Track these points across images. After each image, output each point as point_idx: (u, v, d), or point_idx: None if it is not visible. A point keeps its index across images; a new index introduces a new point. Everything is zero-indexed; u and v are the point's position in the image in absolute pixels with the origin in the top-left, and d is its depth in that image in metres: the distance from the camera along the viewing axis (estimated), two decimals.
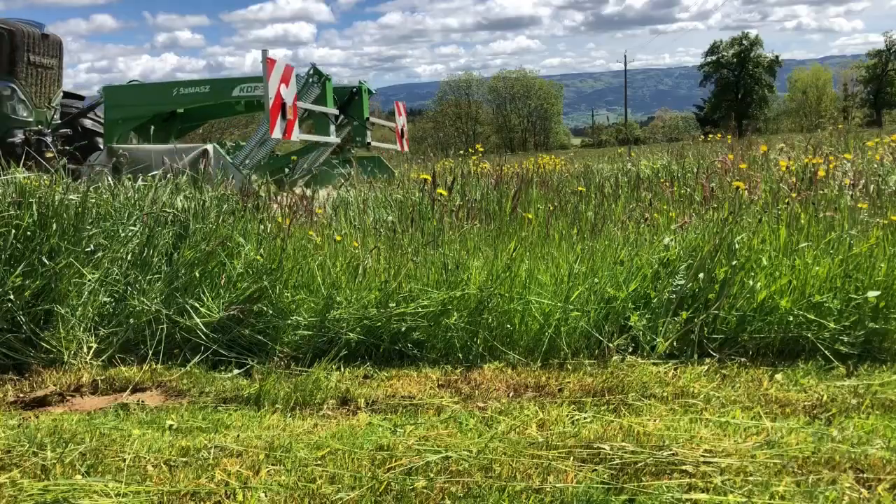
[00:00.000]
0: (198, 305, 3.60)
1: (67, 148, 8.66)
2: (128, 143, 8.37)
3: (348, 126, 9.12)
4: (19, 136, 8.42)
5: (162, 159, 6.31)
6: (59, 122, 9.21)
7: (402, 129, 10.52)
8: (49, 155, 8.51)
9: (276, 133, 7.09)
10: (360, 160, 9.47)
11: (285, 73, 7.17)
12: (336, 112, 8.70)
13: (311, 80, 8.21)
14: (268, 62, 6.92)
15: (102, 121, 9.81)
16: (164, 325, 3.51)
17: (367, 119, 9.29)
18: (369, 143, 9.33)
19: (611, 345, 3.41)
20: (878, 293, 3.42)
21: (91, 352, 3.48)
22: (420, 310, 3.56)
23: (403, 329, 3.56)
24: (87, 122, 9.40)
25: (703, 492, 2.12)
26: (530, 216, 4.26)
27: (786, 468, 2.24)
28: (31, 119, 8.87)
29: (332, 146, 8.81)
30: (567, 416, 2.74)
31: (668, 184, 5.34)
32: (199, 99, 8.43)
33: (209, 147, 6.69)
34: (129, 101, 8.45)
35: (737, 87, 71.43)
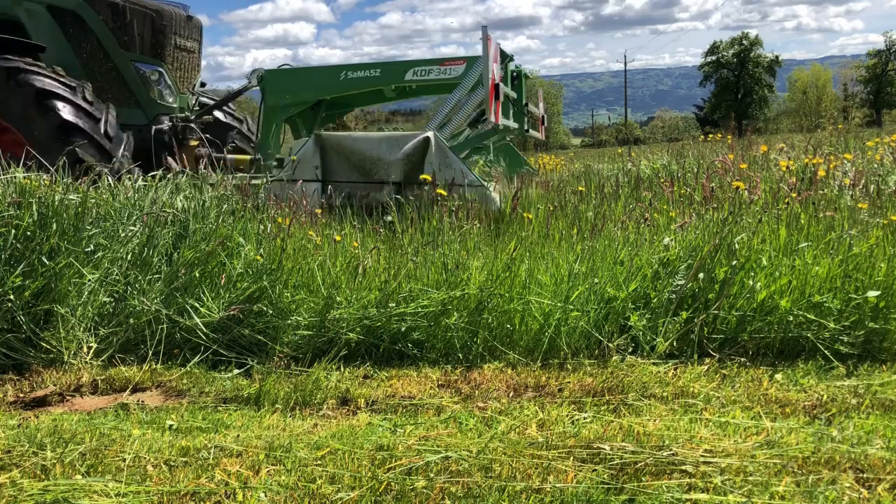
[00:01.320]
0: (198, 305, 3.60)
1: (207, 136, 8.31)
2: (277, 136, 7.94)
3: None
4: (166, 123, 8.14)
5: (379, 149, 5.92)
6: (199, 109, 8.89)
7: (543, 117, 10.12)
8: (194, 143, 8.08)
9: (496, 118, 6.66)
10: (492, 150, 8.89)
11: (495, 52, 6.79)
12: (515, 95, 8.22)
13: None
14: (487, 40, 6.48)
15: (234, 112, 9.40)
16: (164, 325, 3.51)
17: (526, 104, 8.83)
18: (527, 130, 8.91)
19: (611, 345, 3.42)
20: (877, 293, 3.42)
21: (91, 352, 3.48)
22: (420, 310, 3.56)
23: (403, 329, 3.56)
24: (220, 114, 9.07)
25: (703, 492, 2.12)
26: (530, 216, 4.26)
27: (786, 468, 2.24)
28: (175, 105, 8.53)
29: (513, 133, 8.42)
30: (567, 416, 2.74)
31: (668, 184, 5.34)
32: (367, 83, 7.85)
33: (430, 134, 6.06)
34: (291, 86, 7.95)
35: (737, 87, 71.44)
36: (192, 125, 8.30)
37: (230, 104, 9.34)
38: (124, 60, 7.92)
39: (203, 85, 9.45)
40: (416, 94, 8.34)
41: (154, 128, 7.93)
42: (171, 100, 8.40)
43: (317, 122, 8.50)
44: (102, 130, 6.61)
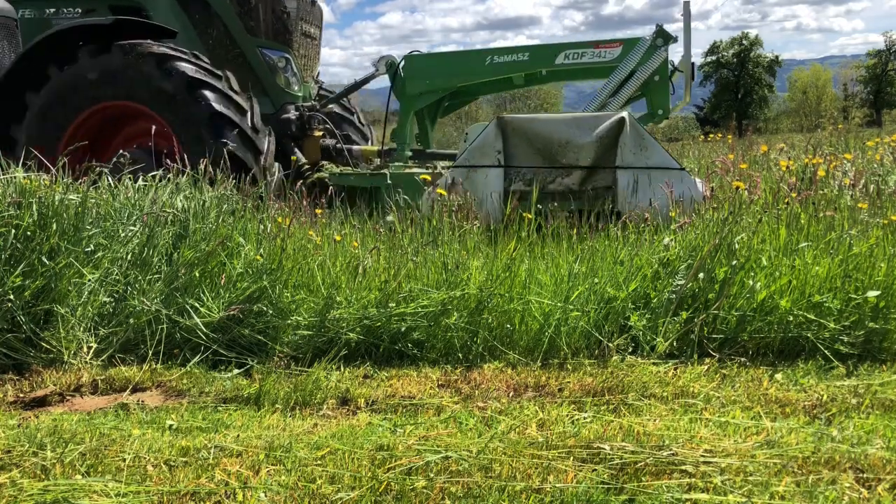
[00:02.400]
0: (198, 305, 3.60)
1: (328, 126, 7.98)
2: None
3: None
4: (293, 113, 7.77)
5: (569, 131, 5.49)
6: (318, 98, 8.55)
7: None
8: (318, 134, 7.77)
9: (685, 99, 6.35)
10: None
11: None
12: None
13: (656, 42, 6.98)
14: (689, 17, 6.11)
15: (345, 103, 8.99)
16: (164, 325, 3.51)
17: None
18: (666, 117, 8.87)
19: (611, 345, 3.42)
20: (877, 293, 3.42)
21: (91, 352, 3.48)
22: (420, 310, 3.56)
23: (403, 329, 3.56)
24: (332, 105, 8.72)
25: (703, 492, 2.12)
26: (530, 216, 4.26)
27: (786, 468, 2.24)
28: (300, 94, 8.18)
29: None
30: (567, 415, 2.74)
31: (668, 183, 5.34)
32: (514, 68, 7.43)
33: (625, 114, 5.55)
34: (432, 72, 7.55)
35: (737, 86, 71.38)
36: (319, 115, 7.95)
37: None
38: (251, 46, 7.57)
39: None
40: (546, 81, 7.89)
41: (281, 117, 7.57)
42: (296, 88, 8.07)
43: (440, 112, 8.16)
44: (250, 123, 6.31)
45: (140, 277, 3.75)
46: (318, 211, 4.82)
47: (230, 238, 3.98)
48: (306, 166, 7.43)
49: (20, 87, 6.60)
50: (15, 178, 3.90)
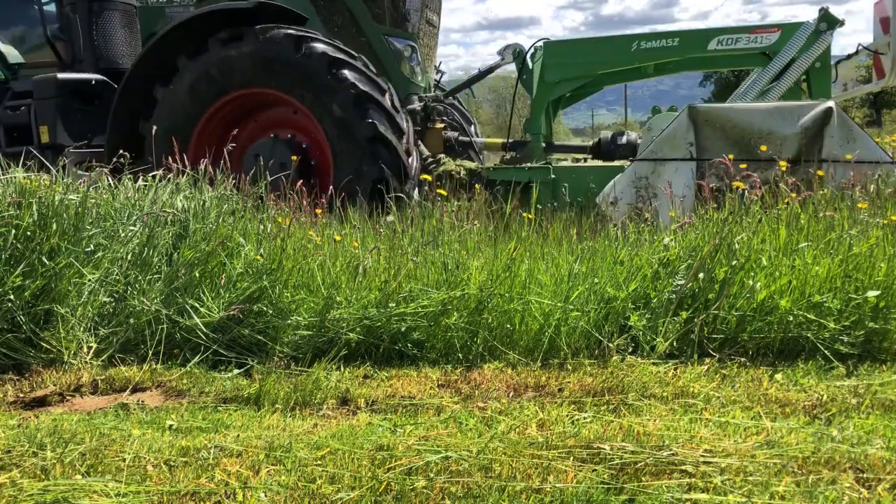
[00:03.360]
0: (198, 305, 3.60)
1: (446, 119, 7.75)
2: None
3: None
4: (417, 104, 7.53)
5: (771, 121, 5.14)
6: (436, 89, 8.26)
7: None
8: (440, 126, 7.54)
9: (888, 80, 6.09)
10: None
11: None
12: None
13: (820, 26, 6.56)
14: None
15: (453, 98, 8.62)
16: (164, 325, 3.51)
17: None
18: None
19: (611, 345, 3.41)
20: (877, 293, 3.42)
21: (91, 352, 3.48)
22: (420, 310, 3.56)
23: (403, 329, 3.56)
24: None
25: (703, 492, 2.12)
26: (530, 216, 4.26)
27: (786, 468, 2.24)
28: (423, 84, 7.90)
29: None
30: (567, 416, 2.74)
31: (669, 183, 5.34)
32: (661, 55, 7.06)
33: (831, 104, 5.18)
34: (573, 59, 7.18)
35: (737, 87, 71.34)
36: (444, 105, 7.76)
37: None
38: (377, 34, 7.33)
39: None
40: (679, 70, 7.56)
41: (407, 107, 7.25)
42: (419, 78, 7.83)
43: (561, 103, 7.92)
44: (390, 104, 6.12)
45: (140, 277, 3.75)
46: (318, 211, 4.82)
47: (230, 238, 3.97)
48: (430, 159, 7.22)
49: (148, 81, 6.42)
50: (15, 178, 3.90)
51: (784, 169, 4.71)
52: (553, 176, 6.24)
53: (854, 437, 2.45)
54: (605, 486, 2.15)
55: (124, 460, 2.35)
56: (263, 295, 3.66)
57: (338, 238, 4.17)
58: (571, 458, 2.32)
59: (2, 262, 3.52)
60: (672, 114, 5.83)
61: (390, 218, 4.58)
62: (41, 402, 3.11)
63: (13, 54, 7.74)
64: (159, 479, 2.24)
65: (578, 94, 7.92)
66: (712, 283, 3.60)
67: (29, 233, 3.63)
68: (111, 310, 3.67)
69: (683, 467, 2.24)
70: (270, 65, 6.06)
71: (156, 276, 3.79)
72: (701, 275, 3.58)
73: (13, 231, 3.58)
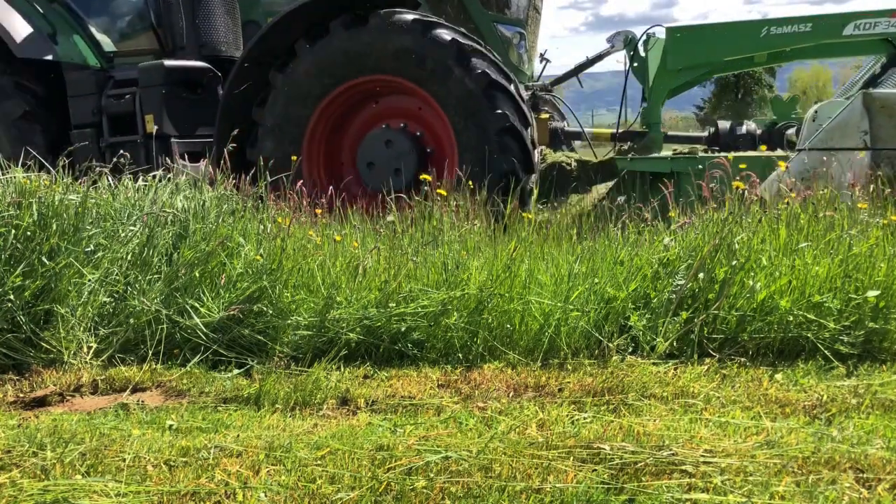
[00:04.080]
0: (198, 305, 3.60)
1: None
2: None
3: None
4: (525, 92, 7.06)
5: None
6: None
7: None
8: (545, 116, 7.31)
9: None
10: None
11: None
12: None
13: None
14: None
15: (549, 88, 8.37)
16: (164, 325, 3.51)
17: None
18: None
19: (611, 345, 3.41)
20: (877, 293, 3.42)
21: (91, 352, 3.48)
22: (420, 310, 3.56)
23: (403, 329, 3.56)
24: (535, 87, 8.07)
25: (703, 492, 2.12)
26: (530, 216, 4.26)
27: (786, 468, 2.24)
28: (528, 73, 7.65)
29: None
30: (567, 416, 2.74)
31: (669, 183, 5.33)
32: (793, 41, 6.68)
33: None
34: (699, 46, 6.83)
35: (736, 87, 71.31)
36: (547, 95, 7.54)
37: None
38: (486, 21, 7.02)
39: None
40: (790, 59, 7.32)
41: None
42: (526, 66, 7.59)
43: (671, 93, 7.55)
44: (517, 93, 5.88)
45: (140, 277, 3.75)
46: (318, 211, 4.81)
47: (230, 238, 3.97)
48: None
49: (262, 66, 6.21)
50: (15, 178, 3.90)
51: None
52: (700, 166, 5.69)
53: (854, 437, 2.45)
54: (605, 486, 2.15)
55: (124, 460, 2.35)
56: (263, 295, 3.66)
57: (338, 238, 4.17)
58: (571, 458, 2.32)
59: (2, 262, 3.52)
60: (840, 101, 5.45)
61: (390, 218, 4.58)
62: (41, 402, 3.11)
63: (106, 42, 7.40)
64: (159, 479, 2.24)
65: (685, 85, 7.63)
66: (712, 283, 3.60)
67: (29, 233, 3.63)
68: (111, 310, 3.67)
69: (683, 467, 2.24)
70: (396, 51, 5.82)
71: (156, 276, 3.79)
72: (701, 275, 3.58)
73: (13, 231, 3.58)
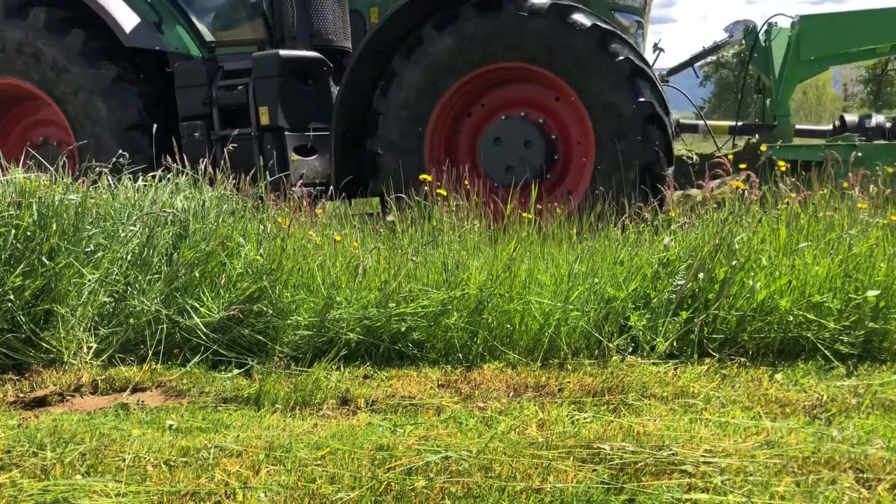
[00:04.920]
0: (198, 305, 3.60)
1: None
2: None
3: None
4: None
5: None
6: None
7: None
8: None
9: None
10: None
11: None
12: None
13: None
14: None
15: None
16: (164, 325, 3.51)
17: None
18: None
19: (611, 345, 3.41)
20: (877, 293, 3.42)
21: (91, 352, 3.48)
22: (420, 310, 3.56)
23: (403, 329, 3.56)
24: None
25: (703, 492, 2.12)
26: (530, 216, 4.26)
27: (786, 468, 2.24)
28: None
29: None
30: (567, 416, 2.74)
31: (670, 184, 5.34)
32: None
33: None
34: (836, 35, 6.59)
35: (736, 87, 71.28)
36: (669, 86, 7.27)
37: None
38: (604, 7, 6.67)
39: None
40: None
41: None
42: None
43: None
44: (658, 81, 5.71)
45: (140, 277, 3.75)
46: (318, 211, 4.81)
47: (230, 238, 3.97)
48: None
49: (386, 53, 6.05)
50: (15, 177, 3.90)
51: None
52: (859, 154, 5.42)
53: (854, 437, 2.45)
54: (605, 486, 2.15)
55: (124, 460, 2.35)
56: (263, 295, 3.66)
57: (338, 238, 4.17)
58: (571, 458, 2.32)
59: (2, 262, 3.52)
60: None
61: (390, 218, 4.58)
62: (41, 402, 3.11)
63: (207, 32, 7.12)
64: (159, 479, 2.24)
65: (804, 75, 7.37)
66: (712, 283, 3.60)
67: (29, 233, 3.63)
68: (111, 310, 3.67)
69: (683, 467, 2.24)
70: (531, 37, 5.61)
71: (156, 276, 3.79)
72: (701, 275, 3.58)
73: (13, 231, 3.58)
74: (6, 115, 7.35)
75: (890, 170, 3.84)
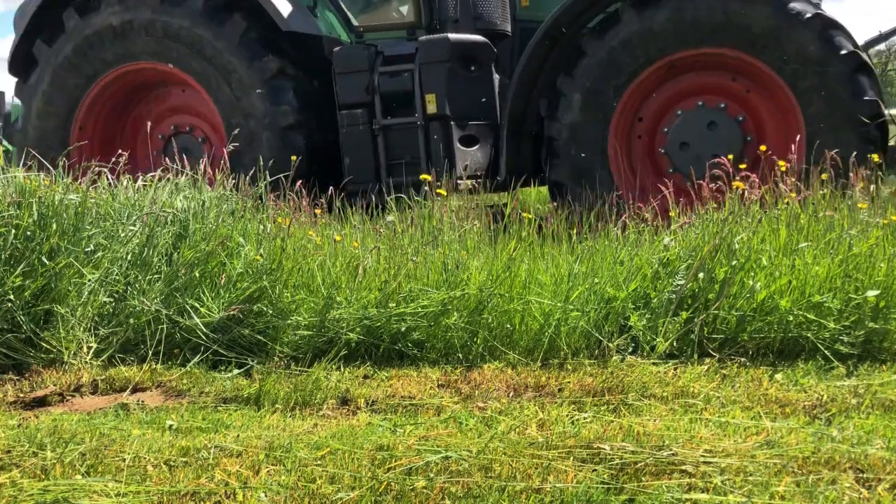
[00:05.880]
0: (198, 305, 3.60)
1: None
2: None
3: None
4: None
5: None
6: None
7: None
8: None
9: None
10: None
11: None
12: None
13: None
14: None
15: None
16: (164, 325, 3.51)
17: None
18: None
19: (611, 345, 3.41)
20: (877, 293, 3.42)
21: (91, 352, 3.48)
22: (420, 310, 3.56)
23: (403, 329, 3.56)
24: None
25: (703, 492, 2.12)
26: (530, 216, 4.26)
27: (786, 468, 2.24)
28: None
29: None
30: (567, 416, 2.74)
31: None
32: None
33: None
34: None
35: None
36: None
37: None
38: None
39: None
40: None
41: None
42: None
43: None
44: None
45: (140, 277, 3.75)
46: (318, 211, 4.81)
47: (230, 238, 3.97)
48: None
49: (575, 30, 5.79)
50: (15, 177, 3.90)
51: None
52: None
53: (854, 437, 2.45)
54: (605, 486, 2.15)
55: (124, 460, 2.35)
56: (263, 295, 3.66)
57: (338, 238, 4.17)
58: (571, 458, 2.32)
59: (2, 262, 3.52)
60: None
61: (390, 218, 4.58)
62: (41, 402, 3.11)
63: (354, 16, 6.85)
64: (159, 479, 2.24)
65: None
66: (712, 283, 3.60)
67: (29, 233, 3.63)
68: (111, 310, 3.67)
69: (683, 467, 2.24)
70: (745, 23, 5.25)
71: (156, 276, 3.79)
72: (701, 275, 3.58)
73: (13, 231, 3.58)
74: (135, 103, 6.94)
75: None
